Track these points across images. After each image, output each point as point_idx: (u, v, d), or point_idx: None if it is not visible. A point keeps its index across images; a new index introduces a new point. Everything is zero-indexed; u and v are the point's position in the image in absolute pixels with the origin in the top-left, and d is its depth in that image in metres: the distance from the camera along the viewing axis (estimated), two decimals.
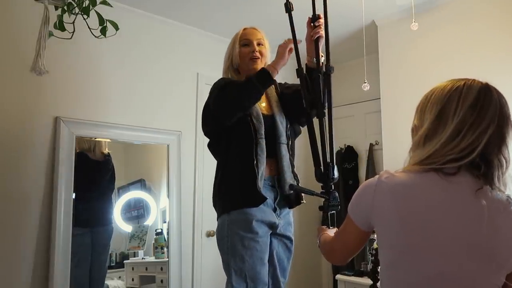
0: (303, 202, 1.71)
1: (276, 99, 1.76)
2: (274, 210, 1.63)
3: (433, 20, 2.55)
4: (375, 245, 2.24)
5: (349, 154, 3.47)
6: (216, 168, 1.70)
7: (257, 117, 1.62)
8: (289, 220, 1.71)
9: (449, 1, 2.50)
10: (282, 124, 1.69)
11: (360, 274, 2.29)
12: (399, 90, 2.72)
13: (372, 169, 3.19)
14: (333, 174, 1.39)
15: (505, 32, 2.26)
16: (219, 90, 1.63)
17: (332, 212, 1.37)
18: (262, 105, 1.71)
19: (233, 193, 1.61)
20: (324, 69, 1.52)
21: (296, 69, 1.53)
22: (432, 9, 2.56)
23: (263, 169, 1.57)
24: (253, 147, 1.58)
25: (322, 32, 1.55)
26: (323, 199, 1.38)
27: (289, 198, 1.68)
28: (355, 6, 2.54)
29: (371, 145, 3.27)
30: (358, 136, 3.48)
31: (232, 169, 1.63)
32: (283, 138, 1.67)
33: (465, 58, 2.41)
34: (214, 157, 1.74)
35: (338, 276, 2.36)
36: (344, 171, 3.45)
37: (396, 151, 2.69)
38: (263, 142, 1.60)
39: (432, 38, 2.57)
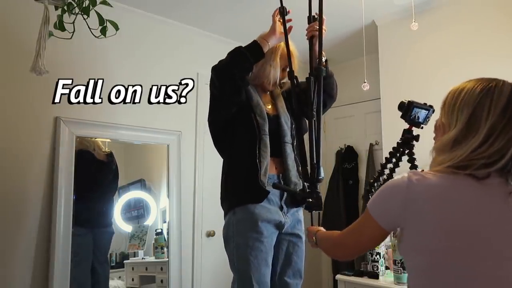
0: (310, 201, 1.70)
1: (281, 99, 1.78)
2: (281, 208, 1.62)
3: (433, 20, 2.55)
4: None
5: (349, 154, 3.47)
6: (222, 166, 1.72)
7: (261, 114, 1.63)
8: (297, 217, 1.70)
9: (449, 1, 2.50)
10: (286, 124, 1.70)
11: (360, 274, 2.29)
12: (399, 90, 2.72)
13: (372, 169, 3.19)
14: (319, 175, 1.42)
15: (505, 31, 2.26)
16: (213, 68, 1.63)
17: (316, 211, 1.42)
18: (268, 107, 1.72)
19: (238, 189, 1.62)
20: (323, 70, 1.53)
21: (288, 71, 1.56)
22: (432, 9, 2.56)
23: (266, 164, 1.57)
24: (256, 143, 1.59)
25: (315, 32, 1.56)
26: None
27: (296, 198, 1.67)
28: (355, 6, 2.54)
29: (371, 145, 3.27)
30: (358, 136, 3.48)
31: (236, 166, 1.65)
32: (288, 138, 1.68)
33: (465, 58, 2.41)
34: (221, 156, 1.74)
35: (338, 276, 2.36)
36: (344, 171, 3.45)
37: None
38: (266, 139, 1.60)
39: (432, 38, 2.57)
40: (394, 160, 1.22)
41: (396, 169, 1.26)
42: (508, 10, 2.27)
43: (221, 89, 1.58)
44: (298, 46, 1.67)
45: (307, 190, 1.49)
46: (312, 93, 1.49)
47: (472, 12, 2.41)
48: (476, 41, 2.37)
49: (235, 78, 1.55)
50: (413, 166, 1.18)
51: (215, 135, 1.71)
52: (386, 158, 1.23)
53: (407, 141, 1.19)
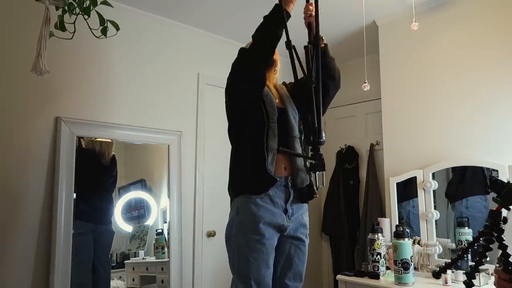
0: (316, 196, 1.71)
1: (288, 95, 1.79)
2: (285, 211, 1.62)
3: (433, 20, 2.55)
4: (375, 246, 2.24)
5: (349, 154, 3.46)
6: (230, 154, 1.72)
7: (271, 103, 1.65)
8: (301, 221, 1.70)
9: (450, 1, 2.50)
10: (295, 118, 1.71)
11: (361, 274, 2.28)
12: (399, 90, 2.72)
13: (373, 170, 3.19)
14: (321, 138, 1.46)
15: (507, 32, 2.26)
16: (238, 52, 1.65)
17: (320, 172, 1.48)
18: (275, 100, 1.72)
19: (244, 177, 1.63)
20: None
21: (285, 41, 1.56)
22: (432, 9, 2.56)
23: (274, 154, 1.58)
24: (264, 131, 1.60)
25: (311, 18, 1.63)
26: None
27: (302, 193, 1.68)
28: (355, 6, 2.54)
29: (372, 145, 3.27)
30: (358, 136, 3.48)
31: (243, 154, 1.65)
32: (296, 132, 1.68)
33: (465, 58, 2.41)
34: (231, 144, 1.75)
35: (339, 276, 2.36)
36: (345, 171, 3.44)
37: (397, 151, 2.69)
38: (274, 127, 1.61)
39: (433, 38, 2.57)
40: (481, 241, 1.12)
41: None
42: (510, 11, 2.26)
43: (258, 60, 1.59)
44: (298, 33, 1.66)
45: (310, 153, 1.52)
46: (311, 60, 1.52)
47: (473, 12, 2.40)
48: (477, 40, 2.37)
49: (270, 46, 1.58)
50: (503, 247, 1.07)
51: (234, 117, 1.70)
52: (474, 237, 1.14)
53: (497, 224, 1.08)
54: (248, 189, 1.59)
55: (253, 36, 1.61)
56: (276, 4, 1.57)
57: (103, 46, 2.39)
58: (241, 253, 1.56)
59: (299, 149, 1.66)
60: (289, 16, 1.57)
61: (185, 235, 2.70)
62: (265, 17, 1.59)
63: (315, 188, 1.68)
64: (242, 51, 1.65)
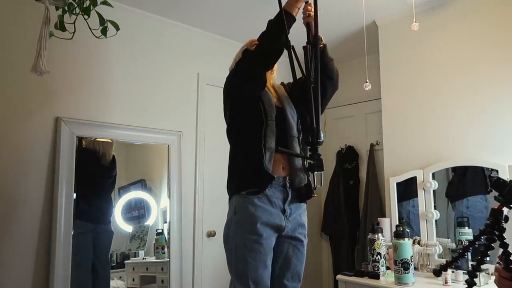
0: (314, 196, 1.71)
1: (286, 95, 1.79)
2: (283, 212, 1.62)
3: (434, 20, 2.55)
4: (375, 246, 2.24)
5: (349, 154, 3.46)
6: (229, 153, 1.73)
7: (269, 102, 1.66)
8: (299, 221, 1.69)
9: (450, 1, 2.50)
10: (293, 118, 1.71)
11: (361, 274, 2.28)
12: (399, 90, 2.72)
13: (373, 170, 3.19)
14: (319, 138, 1.46)
15: (507, 32, 2.26)
16: (243, 53, 1.66)
17: (318, 172, 1.48)
18: (273, 99, 1.73)
19: (243, 174, 1.63)
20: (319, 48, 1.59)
21: (283, 41, 1.57)
22: (432, 9, 2.56)
23: (271, 151, 1.59)
24: (262, 129, 1.60)
25: (309, 19, 1.64)
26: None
27: (300, 192, 1.68)
28: (355, 6, 2.54)
29: (372, 145, 3.27)
30: (358, 136, 3.48)
31: (241, 151, 1.66)
32: (294, 132, 1.68)
33: (466, 58, 2.41)
34: (229, 142, 1.75)
35: (339, 276, 2.36)
36: (345, 171, 3.44)
37: (397, 151, 2.69)
38: (273, 125, 1.61)
39: (433, 38, 2.57)
40: (482, 239, 1.12)
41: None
42: (511, 10, 2.26)
43: (263, 63, 1.60)
44: (298, 33, 1.67)
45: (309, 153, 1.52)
46: (310, 60, 1.53)
47: (473, 12, 2.40)
48: (478, 40, 2.37)
49: (276, 51, 1.58)
50: (504, 245, 1.07)
51: (233, 118, 1.71)
52: (475, 236, 1.15)
53: (498, 222, 1.08)
54: (246, 187, 1.59)
55: (258, 39, 1.61)
56: (280, 9, 1.56)
57: (103, 46, 2.39)
58: (239, 253, 1.56)
59: (297, 149, 1.66)
60: (294, 20, 1.57)
61: (185, 235, 2.70)
62: (270, 22, 1.58)
63: (313, 187, 1.68)
64: (248, 52, 1.65)
